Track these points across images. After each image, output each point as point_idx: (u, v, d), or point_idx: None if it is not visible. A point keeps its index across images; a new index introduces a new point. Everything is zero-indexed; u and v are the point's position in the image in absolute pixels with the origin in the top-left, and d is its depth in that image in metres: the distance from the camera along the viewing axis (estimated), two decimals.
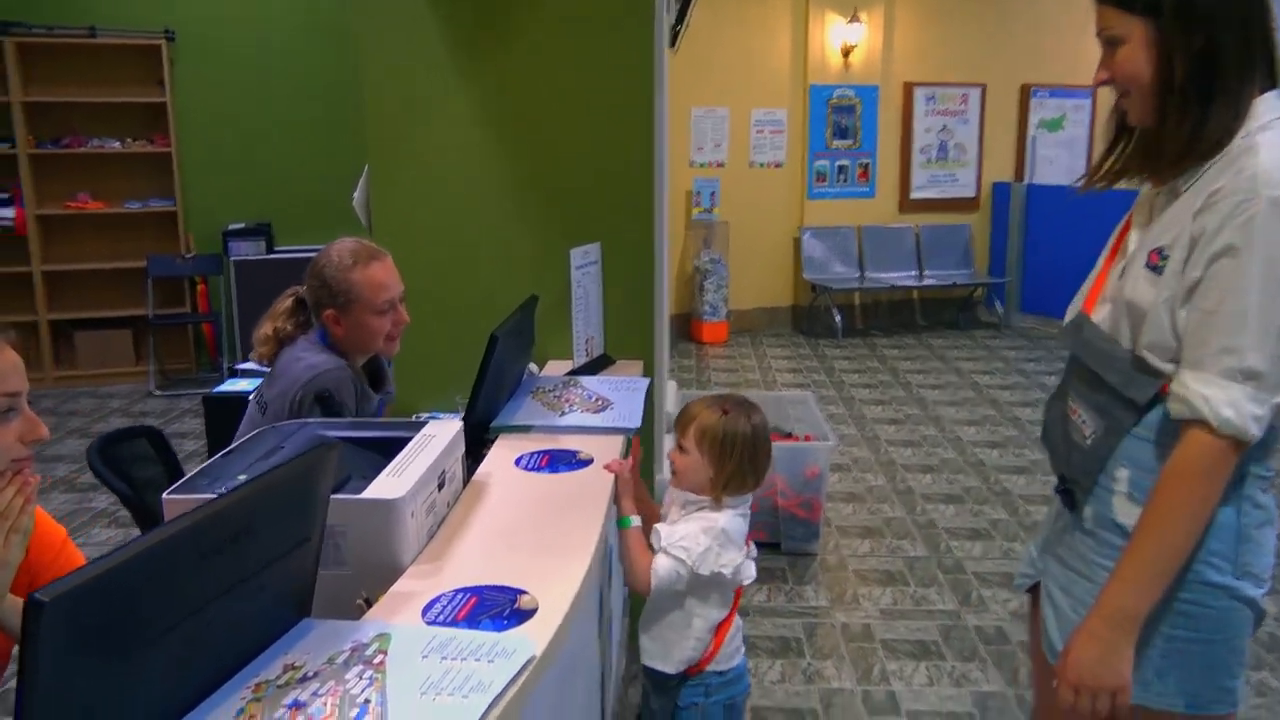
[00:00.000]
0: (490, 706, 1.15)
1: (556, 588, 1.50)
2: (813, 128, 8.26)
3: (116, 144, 6.53)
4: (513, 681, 1.22)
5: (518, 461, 2.06)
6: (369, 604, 1.53)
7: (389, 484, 1.60)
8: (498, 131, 2.90)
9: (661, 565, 1.96)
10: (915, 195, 8.63)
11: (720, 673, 2.04)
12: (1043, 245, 8.28)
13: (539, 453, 2.11)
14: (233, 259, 6.51)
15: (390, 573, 1.56)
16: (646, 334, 2.95)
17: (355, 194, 2.93)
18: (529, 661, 1.27)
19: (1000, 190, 8.69)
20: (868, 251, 8.45)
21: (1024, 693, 2.97)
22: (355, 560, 1.57)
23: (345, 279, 2.18)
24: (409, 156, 2.90)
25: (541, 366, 2.91)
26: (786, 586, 3.69)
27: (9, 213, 6.32)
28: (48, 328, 6.51)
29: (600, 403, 2.43)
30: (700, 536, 1.97)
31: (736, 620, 2.09)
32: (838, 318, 8.07)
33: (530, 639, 1.32)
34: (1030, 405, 6.06)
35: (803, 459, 3.91)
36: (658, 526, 2.02)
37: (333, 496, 1.55)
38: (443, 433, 1.86)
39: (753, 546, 2.09)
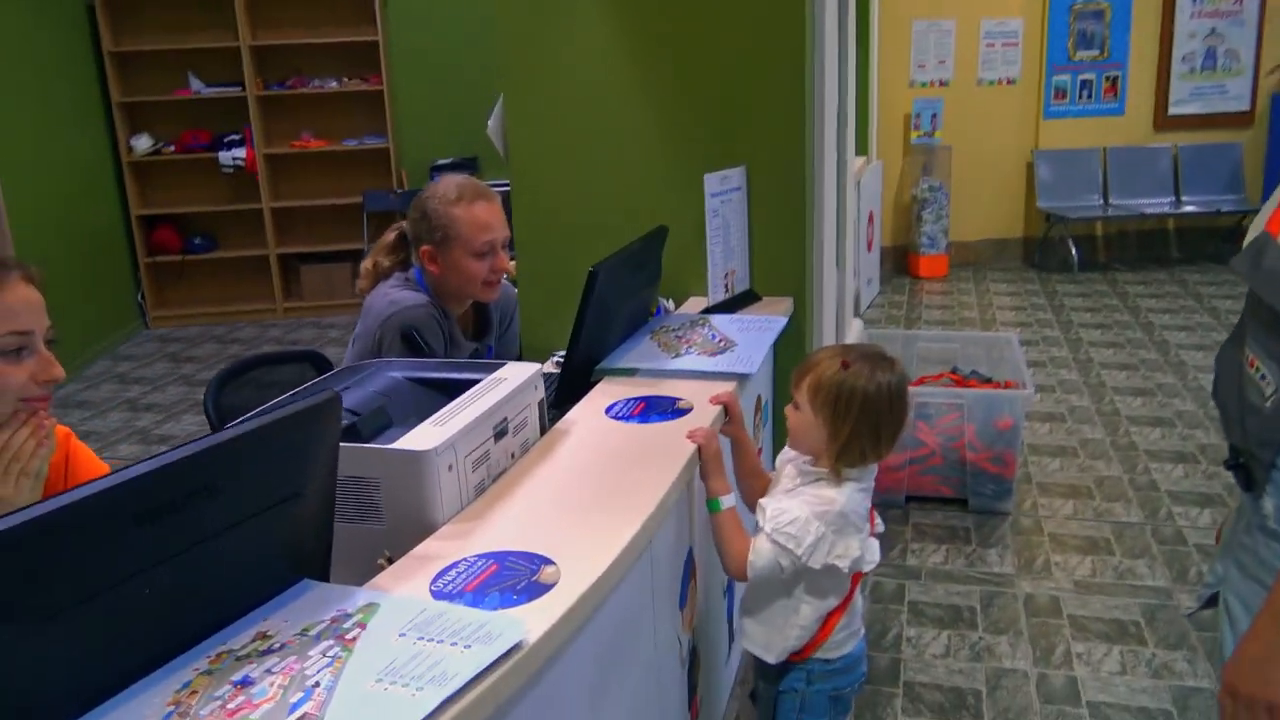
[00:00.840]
0: (436, 710, 0.98)
1: (589, 559, 1.32)
2: (1052, 38, 7.42)
3: (334, 83, 6.79)
4: (485, 672, 1.05)
5: (609, 409, 1.88)
6: (390, 563, 1.41)
7: (426, 434, 1.47)
8: (633, 48, 2.67)
9: (762, 554, 1.68)
10: (1174, 111, 7.61)
11: (826, 660, 1.79)
12: None
13: (636, 399, 1.92)
14: None
15: (424, 530, 1.44)
16: (798, 268, 2.67)
17: (490, 122, 2.80)
18: (514, 648, 1.10)
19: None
20: (1114, 176, 7.57)
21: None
22: (389, 515, 1.45)
23: (446, 214, 2.06)
24: (543, 79, 2.74)
25: (680, 303, 2.70)
26: (968, 549, 3.33)
27: (241, 153, 6.73)
28: (276, 261, 6.93)
29: (722, 344, 2.20)
30: (812, 523, 1.67)
31: (854, 604, 1.82)
32: (1074, 250, 7.31)
33: (524, 622, 1.14)
34: None
35: (995, 409, 3.50)
36: (762, 501, 1.74)
37: (362, 445, 1.45)
38: (514, 376, 1.71)
39: (879, 522, 1.81)
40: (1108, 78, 7.53)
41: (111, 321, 6.62)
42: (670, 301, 2.68)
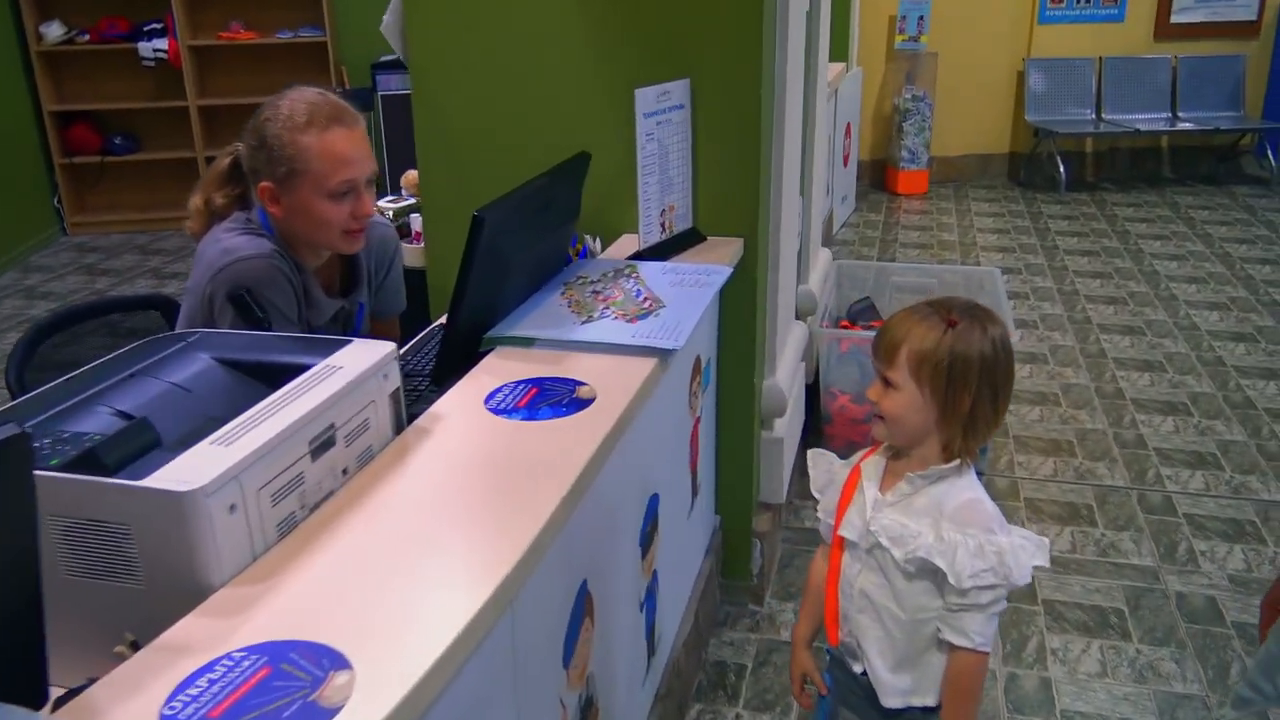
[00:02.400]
0: None
1: (407, 655, 0.94)
2: None
3: None
4: None
5: (489, 398, 1.48)
6: (135, 649, 1.03)
7: (196, 462, 1.06)
8: None
9: (983, 628, 1.38)
10: (1177, 19, 7.09)
11: None
12: None
13: (526, 383, 1.52)
14: (381, 94, 6.09)
15: (194, 594, 1.05)
16: (750, 203, 2.25)
17: (386, 17, 2.32)
18: None
19: None
20: (1109, 88, 7.09)
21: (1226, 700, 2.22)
22: (148, 573, 1.05)
23: (292, 143, 1.60)
24: None
25: (609, 243, 2.28)
26: None
27: (162, 44, 6.12)
28: (204, 164, 6.38)
29: (647, 304, 1.80)
30: (994, 538, 1.35)
31: None
32: (1062, 168, 6.87)
33: None
34: None
35: None
36: (897, 555, 1.41)
37: (101, 481, 1.04)
38: (354, 363, 1.30)
39: None
40: None
41: (25, 228, 6.09)
42: (596, 241, 2.26)
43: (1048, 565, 1.41)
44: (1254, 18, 7.11)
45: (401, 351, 2.05)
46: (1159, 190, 6.94)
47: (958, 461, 1.41)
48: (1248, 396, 3.71)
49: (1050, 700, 2.25)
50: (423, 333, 2.18)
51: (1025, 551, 1.36)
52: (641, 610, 1.80)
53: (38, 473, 1.03)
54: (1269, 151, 6.97)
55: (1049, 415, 3.61)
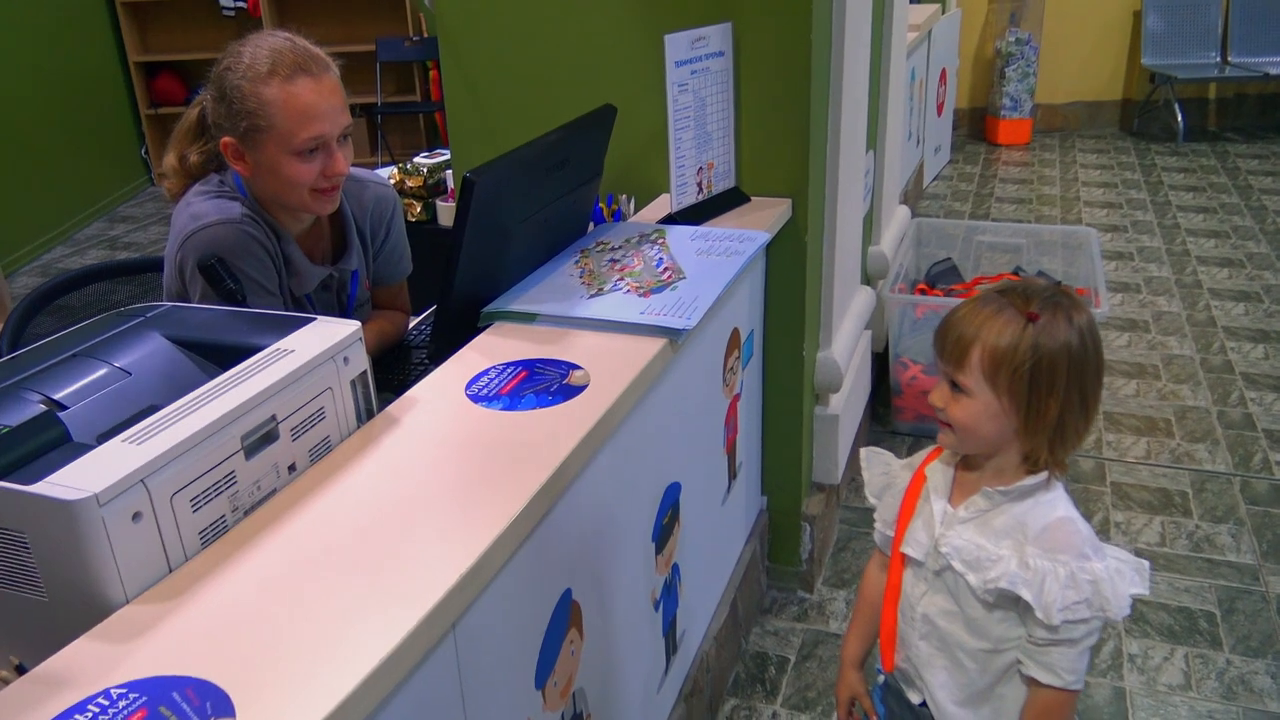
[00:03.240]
0: None
1: (314, 698, 0.81)
2: None
3: None
4: None
5: (472, 383, 1.34)
6: (20, 672, 0.93)
7: (100, 463, 0.95)
8: None
9: (1076, 664, 1.20)
10: None
11: None
12: None
13: (515, 365, 1.38)
14: None
15: (99, 609, 0.94)
16: (798, 161, 2.04)
17: None
18: None
19: None
20: (1236, 29, 6.51)
21: None
22: (50, 585, 0.95)
23: (253, 94, 1.47)
24: None
25: (645, 204, 2.11)
26: None
27: None
28: None
29: (667, 274, 1.63)
30: (1086, 564, 1.17)
31: None
32: (1180, 116, 6.35)
33: None
34: None
35: None
36: (972, 578, 1.23)
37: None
38: (307, 346, 1.17)
39: None
40: None
41: (112, 178, 6.20)
42: (631, 202, 2.09)
43: (1147, 593, 1.23)
44: None
45: (415, 321, 1.94)
46: None
47: (1045, 475, 1.21)
48: None
49: (1123, 714, 2.03)
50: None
51: (1123, 578, 1.17)
52: (657, 608, 1.66)
53: None
54: None
55: (1146, 390, 3.31)
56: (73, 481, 0.92)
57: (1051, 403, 1.17)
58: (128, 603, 0.94)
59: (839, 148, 2.21)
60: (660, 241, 1.78)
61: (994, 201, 5.44)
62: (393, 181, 2.76)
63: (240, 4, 6.11)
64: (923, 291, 3.36)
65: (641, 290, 1.56)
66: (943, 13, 5.49)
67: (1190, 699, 2.07)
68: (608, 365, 1.36)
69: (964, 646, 1.27)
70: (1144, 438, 3.03)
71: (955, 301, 3.04)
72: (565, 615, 1.26)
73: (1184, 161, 6.01)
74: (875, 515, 1.40)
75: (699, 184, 1.98)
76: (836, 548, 2.58)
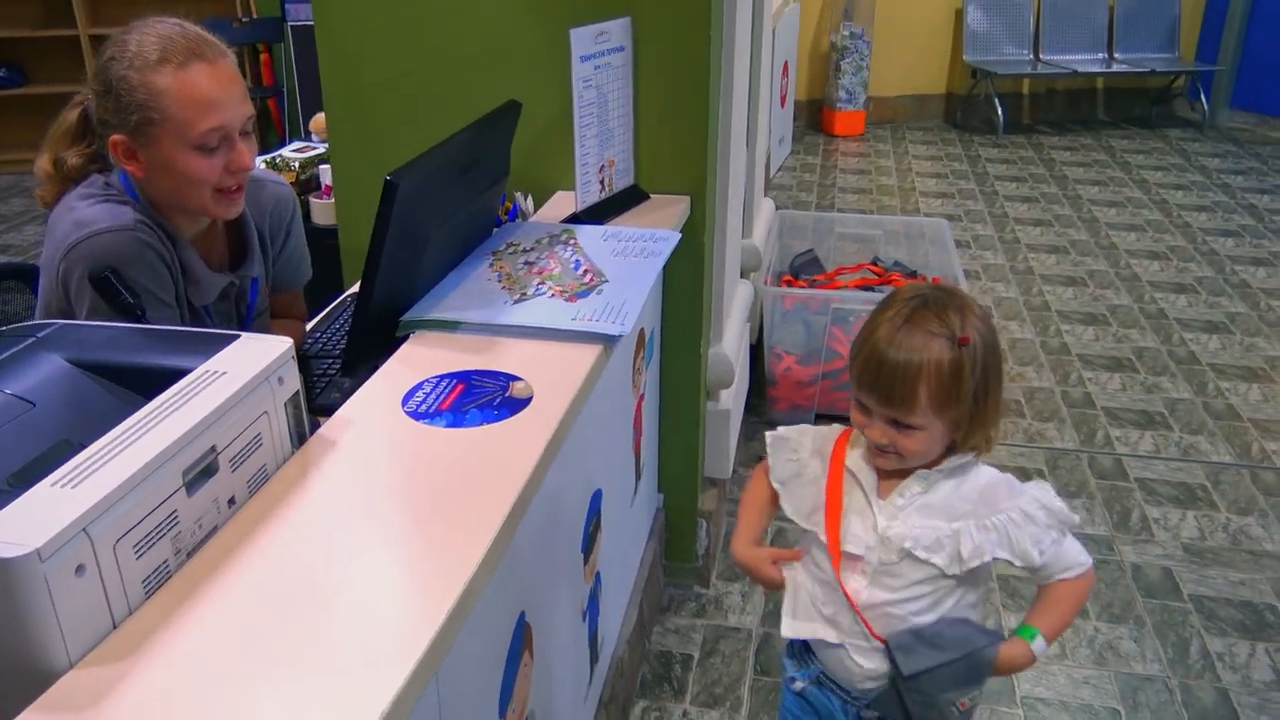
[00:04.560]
0: None
1: None
2: None
3: None
4: None
5: (408, 398, 1.27)
6: None
7: (31, 511, 0.84)
8: None
9: (1072, 557, 1.29)
10: None
11: None
12: (1275, 23, 6.64)
13: (450, 378, 1.31)
14: (290, 24, 5.67)
15: (40, 676, 0.83)
16: (698, 157, 2.04)
17: None
18: None
19: None
20: (1047, 27, 6.96)
21: (1191, 682, 2.14)
22: None
23: (142, 85, 1.34)
24: None
25: (542, 201, 2.06)
26: None
27: None
28: None
29: (588, 277, 1.59)
30: (1027, 496, 1.28)
31: None
32: (1000, 110, 6.75)
33: None
34: (1232, 235, 4.84)
35: None
36: (958, 529, 1.26)
37: None
38: (241, 368, 1.08)
39: None
40: None
41: None
42: (529, 200, 2.03)
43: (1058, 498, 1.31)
44: None
45: (308, 327, 1.82)
46: (1094, 133, 6.88)
47: (974, 452, 1.28)
48: (1192, 351, 3.65)
49: (1011, 688, 2.14)
50: (333, 303, 1.94)
51: (1050, 493, 1.29)
52: (584, 619, 1.63)
53: None
54: (1201, 94, 6.94)
55: None
56: (6, 535, 0.81)
57: (989, 402, 1.24)
58: (71, 667, 0.84)
59: (729, 143, 2.22)
60: (572, 242, 1.74)
61: (837, 191, 5.62)
62: None
63: None
64: (789, 283, 3.44)
65: (566, 295, 1.52)
66: (786, 6, 5.62)
67: (1066, 666, 2.20)
68: (547, 374, 1.32)
69: (913, 623, 1.29)
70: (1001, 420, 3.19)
71: (824, 294, 3.11)
72: (521, 638, 1.22)
73: (1005, 153, 6.39)
74: (784, 504, 1.38)
75: (601, 182, 1.95)
76: (727, 541, 2.60)
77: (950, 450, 1.27)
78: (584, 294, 1.53)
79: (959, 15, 6.93)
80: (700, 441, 2.33)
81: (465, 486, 1.10)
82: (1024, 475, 2.80)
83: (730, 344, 2.42)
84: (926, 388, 1.18)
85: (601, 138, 1.91)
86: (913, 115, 7.20)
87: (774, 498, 1.40)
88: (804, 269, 3.56)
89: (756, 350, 3.18)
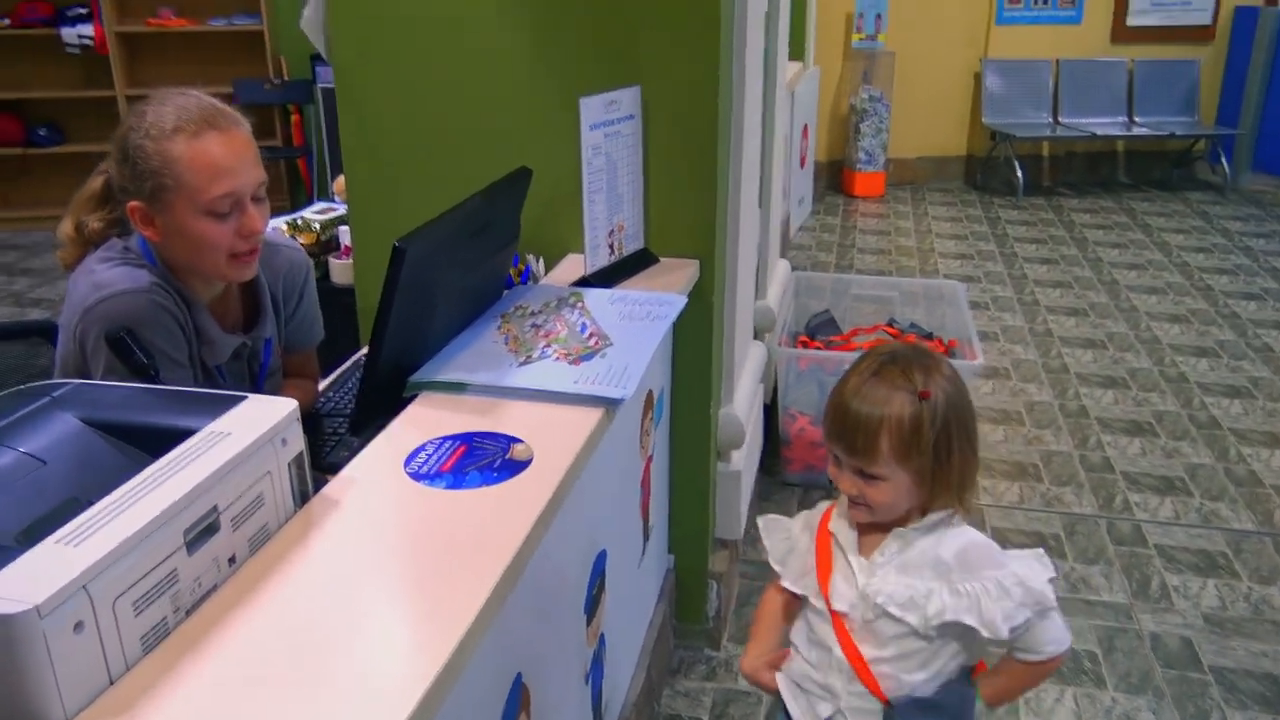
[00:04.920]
0: None
1: None
2: None
3: None
4: None
5: (410, 459, 1.29)
6: None
7: (33, 568, 0.86)
8: None
9: (1049, 637, 1.29)
10: (1134, 22, 7.05)
11: None
12: None
13: (453, 440, 1.33)
14: (320, 86, 5.83)
15: None
16: (707, 221, 2.07)
17: (306, 10, 2.11)
18: None
19: (1244, 16, 6.99)
20: (1065, 91, 7.03)
21: None
22: None
23: (158, 153, 1.39)
24: None
25: (553, 264, 2.09)
26: None
27: (87, 30, 5.80)
28: None
29: (593, 341, 1.61)
30: (1006, 570, 1.28)
31: None
32: (1020, 172, 6.79)
33: None
34: (1254, 298, 4.82)
35: None
36: (931, 603, 1.29)
37: None
38: (245, 429, 1.10)
39: None
40: None
41: None
42: (540, 262, 2.07)
43: (1054, 574, 1.30)
44: (1209, 22, 7.09)
45: (322, 386, 1.86)
46: (1115, 195, 6.90)
47: (949, 510, 1.30)
48: (1213, 415, 3.62)
49: None
50: (348, 363, 1.98)
51: (1033, 569, 1.28)
52: (587, 682, 1.62)
53: None
54: (1222, 158, 6.96)
55: (1013, 436, 3.48)
56: (6, 591, 0.83)
57: (954, 460, 1.27)
58: (80, 716, 0.86)
59: (740, 207, 2.26)
60: (580, 305, 1.77)
61: (856, 252, 5.66)
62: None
63: (86, 41, 5.81)
64: (804, 344, 3.45)
65: (571, 358, 1.55)
66: (804, 70, 5.72)
67: None
68: (548, 437, 1.34)
69: (907, 682, 1.32)
70: (1016, 482, 3.18)
71: (839, 355, 3.12)
72: (517, 700, 1.22)
73: (1025, 215, 6.41)
74: (783, 579, 1.44)
75: (610, 245, 1.98)
76: (739, 603, 2.59)
77: (925, 509, 1.31)
78: (588, 357, 1.55)
79: (978, 79, 7.01)
80: (711, 502, 2.34)
81: (462, 548, 1.11)
82: (1040, 539, 2.80)
83: (741, 404, 2.43)
84: (888, 438, 1.24)
85: (611, 202, 1.95)
86: (933, 176, 7.25)
87: (785, 608, 1.46)
88: (820, 329, 3.58)
89: (771, 410, 3.19)
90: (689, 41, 1.95)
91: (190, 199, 1.39)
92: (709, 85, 1.97)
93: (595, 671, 1.66)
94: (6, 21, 5.83)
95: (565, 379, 1.47)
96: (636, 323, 1.70)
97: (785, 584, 1.43)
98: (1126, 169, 7.33)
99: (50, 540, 0.90)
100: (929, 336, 3.46)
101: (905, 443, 1.24)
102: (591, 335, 1.63)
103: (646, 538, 2.06)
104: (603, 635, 1.69)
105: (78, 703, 0.87)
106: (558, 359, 1.54)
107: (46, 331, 1.82)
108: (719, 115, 2.00)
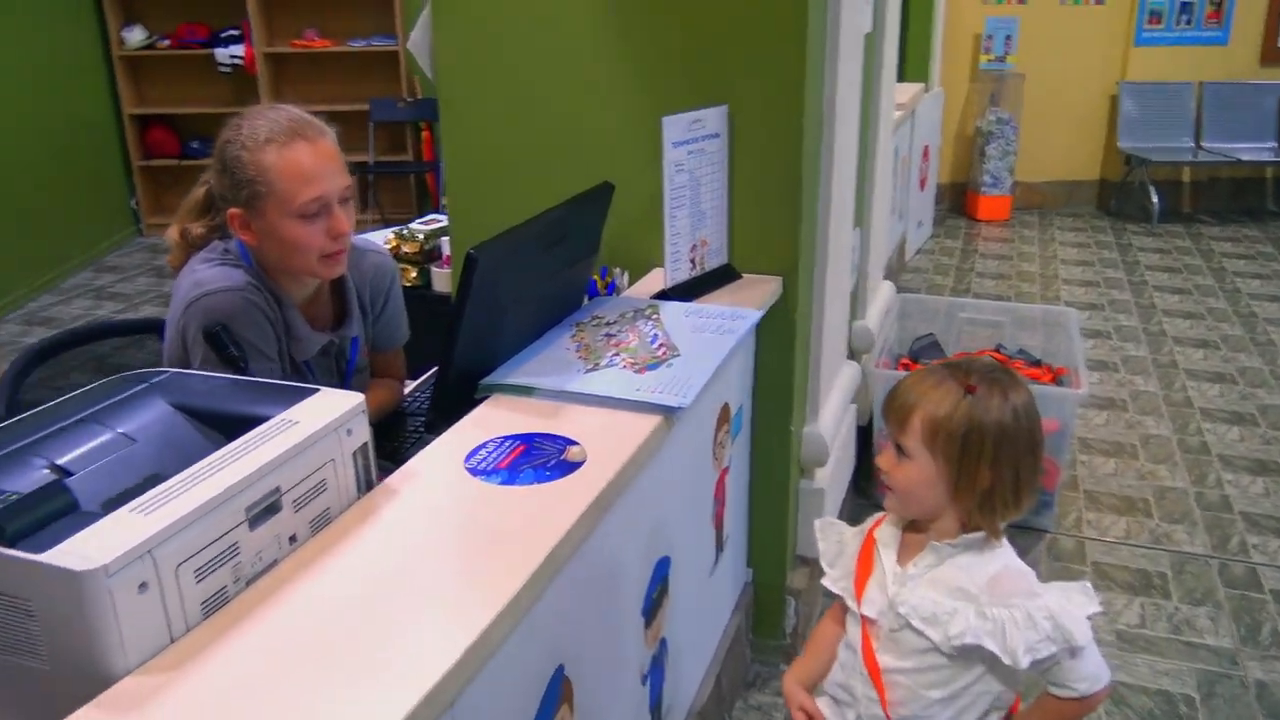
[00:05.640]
0: None
1: None
2: None
3: None
4: None
5: (471, 455, 1.36)
6: None
7: (108, 533, 0.96)
8: None
9: (1081, 673, 1.27)
10: None
11: None
12: None
13: (512, 439, 1.39)
14: None
15: (98, 680, 0.94)
16: (788, 240, 2.09)
17: (414, 33, 2.23)
18: None
19: None
20: (1209, 115, 6.71)
21: None
22: (50, 652, 0.95)
23: (252, 163, 1.50)
24: None
25: (638, 277, 2.14)
26: None
27: (239, 50, 6.19)
28: None
29: (661, 351, 1.66)
30: (1038, 601, 1.26)
31: None
32: (1155, 198, 6.51)
33: None
34: None
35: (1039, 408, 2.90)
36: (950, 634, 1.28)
37: (4, 552, 0.94)
38: (312, 418, 1.19)
39: None
40: (1212, 0, 6.62)
41: (102, 227, 6.22)
42: (625, 275, 2.13)
43: (1100, 609, 1.28)
44: None
45: (409, 389, 1.95)
46: (1261, 224, 6.55)
47: (984, 533, 1.29)
48: None
49: None
50: (436, 368, 2.07)
51: (1072, 602, 1.26)
52: (645, 683, 1.66)
53: None
54: None
55: (1124, 469, 3.35)
56: (81, 551, 0.92)
57: (982, 472, 1.26)
58: (130, 673, 0.94)
59: (829, 226, 2.26)
60: (655, 317, 1.81)
61: (975, 277, 5.53)
62: (389, 247, 2.80)
63: (237, 60, 6.19)
64: (906, 366, 3.41)
65: (637, 366, 1.59)
66: (926, 91, 5.64)
67: None
68: (604, 441, 1.39)
69: (927, 698, 1.32)
70: (1123, 517, 3.06)
71: None
72: (557, 692, 1.27)
73: (1159, 242, 6.15)
74: (825, 579, 1.46)
75: (692, 260, 2.02)
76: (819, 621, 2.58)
77: (965, 526, 1.31)
78: (654, 366, 1.59)
79: (1113, 101, 6.76)
80: (791, 519, 2.34)
81: (506, 538, 1.17)
82: (1145, 577, 2.71)
83: (828, 423, 2.43)
84: (922, 414, 1.27)
85: (694, 218, 1.99)
86: (1063, 201, 7.02)
87: (839, 635, 1.46)
88: (923, 353, 3.52)
89: (867, 432, 3.16)
90: (774, 61, 1.98)
91: (282, 204, 1.50)
92: (794, 104, 2.00)
93: (654, 674, 1.69)
94: (167, 43, 6.27)
95: (628, 386, 1.52)
96: (707, 335, 1.73)
97: (826, 583, 1.44)
98: (1276, 196, 6.94)
99: (125, 509, 1.00)
100: (1036, 363, 3.37)
101: (936, 424, 1.25)
102: (661, 346, 1.68)
103: (720, 549, 2.08)
104: (664, 639, 1.73)
105: (140, 656, 0.96)
106: (624, 367, 1.59)
107: (156, 327, 1.99)
108: (804, 134, 2.02)
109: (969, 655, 1.28)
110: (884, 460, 1.32)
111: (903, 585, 1.32)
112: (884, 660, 1.33)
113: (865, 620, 1.35)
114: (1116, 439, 3.57)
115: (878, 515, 1.42)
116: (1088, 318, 4.80)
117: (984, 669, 1.30)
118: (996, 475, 1.26)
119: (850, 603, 1.38)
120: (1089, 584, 1.29)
